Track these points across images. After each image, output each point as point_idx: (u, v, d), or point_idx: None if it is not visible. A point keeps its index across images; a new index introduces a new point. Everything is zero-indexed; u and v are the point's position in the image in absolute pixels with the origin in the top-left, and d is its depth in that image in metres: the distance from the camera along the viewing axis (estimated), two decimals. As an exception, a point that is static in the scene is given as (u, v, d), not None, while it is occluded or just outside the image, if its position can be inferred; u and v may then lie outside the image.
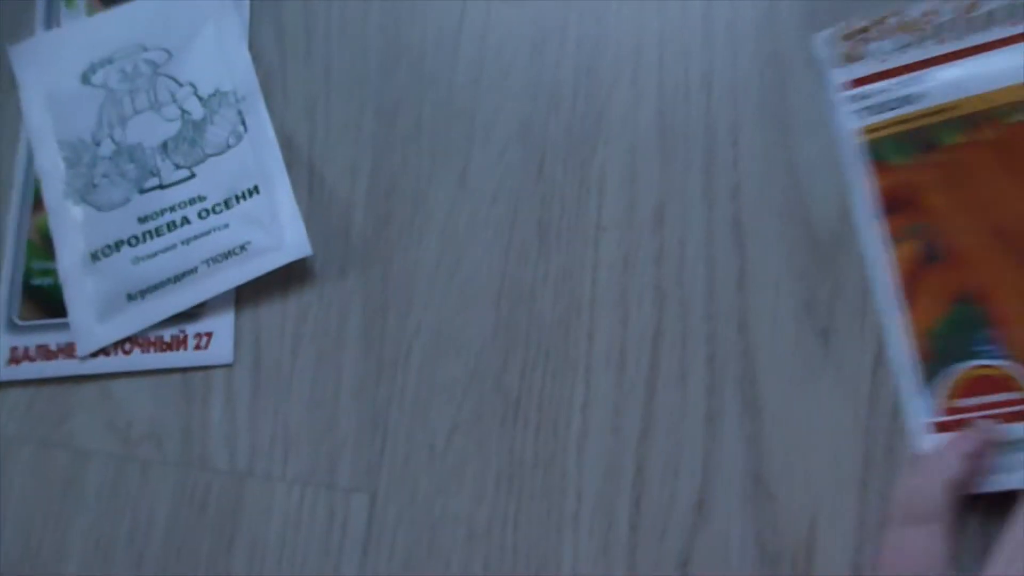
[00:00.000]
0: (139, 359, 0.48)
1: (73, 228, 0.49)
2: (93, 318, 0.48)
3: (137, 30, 0.52)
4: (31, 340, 0.49)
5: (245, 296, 0.49)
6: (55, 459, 0.48)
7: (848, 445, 0.42)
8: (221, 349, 0.47)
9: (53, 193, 0.50)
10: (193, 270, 0.48)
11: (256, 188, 0.48)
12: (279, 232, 0.48)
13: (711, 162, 0.46)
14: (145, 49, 0.51)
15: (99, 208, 0.49)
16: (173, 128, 0.50)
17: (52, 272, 0.50)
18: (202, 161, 0.49)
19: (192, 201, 0.48)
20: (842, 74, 0.46)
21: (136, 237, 0.48)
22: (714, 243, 0.45)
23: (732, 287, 0.45)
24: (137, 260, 0.48)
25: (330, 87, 0.51)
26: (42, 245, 0.50)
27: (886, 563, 0.39)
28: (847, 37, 0.47)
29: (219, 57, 0.51)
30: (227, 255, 0.48)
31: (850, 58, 0.47)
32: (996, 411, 0.41)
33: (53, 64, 0.52)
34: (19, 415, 0.49)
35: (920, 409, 0.42)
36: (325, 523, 0.45)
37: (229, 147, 0.49)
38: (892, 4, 0.46)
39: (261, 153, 0.49)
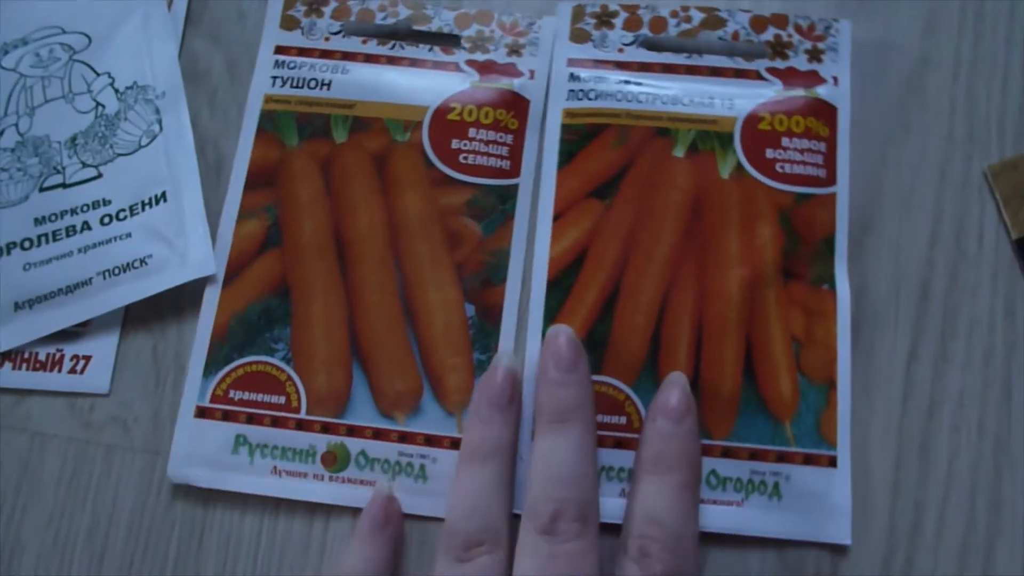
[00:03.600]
0: (6, 375, 0.43)
1: (-39, 225, 0.45)
2: (-25, 326, 0.44)
3: (58, 10, 0.47)
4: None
5: (133, 316, 0.43)
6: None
7: None
8: (98, 376, 0.42)
9: (-56, 185, 0.46)
10: (87, 282, 0.42)
11: (164, 195, 0.43)
12: (183, 246, 0.43)
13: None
14: (63, 31, 0.46)
15: (-7, 205, 0.44)
16: (84, 121, 0.45)
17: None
18: (111, 160, 0.44)
19: (96, 204, 0.43)
20: (275, 37, 0.46)
21: (30, 240, 0.43)
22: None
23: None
24: (28, 266, 0.43)
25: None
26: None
27: None
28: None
29: (143, 49, 0.46)
30: (125, 268, 0.42)
31: (287, 23, 0.46)
32: (261, 411, 0.41)
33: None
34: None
35: (195, 390, 0.41)
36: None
37: (141, 147, 0.44)
38: None
39: (175, 157, 0.44)
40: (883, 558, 0.39)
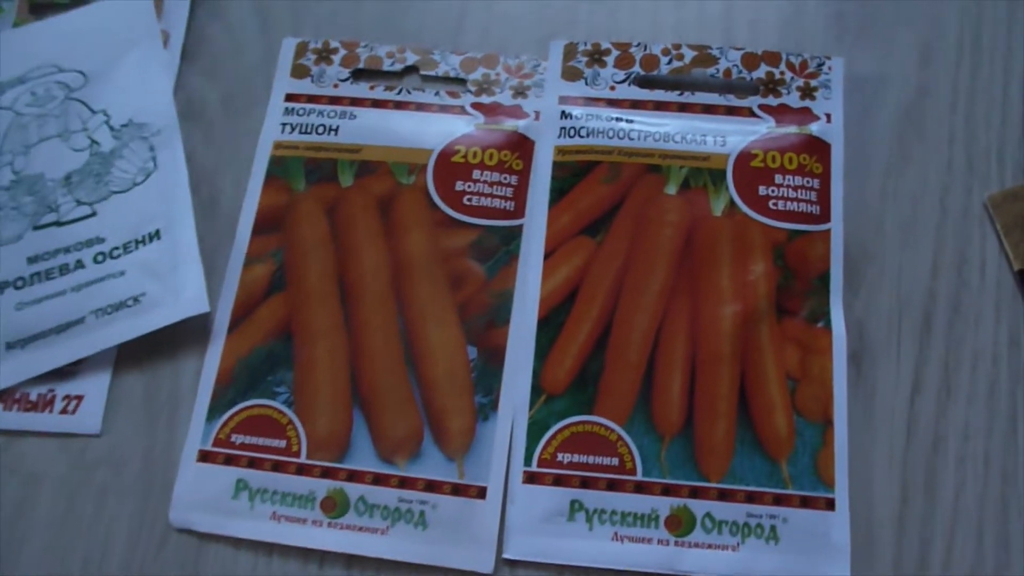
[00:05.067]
0: (-2, 416, 0.43)
1: (-46, 264, 0.45)
2: (-32, 365, 0.44)
3: (55, 48, 0.47)
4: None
5: (126, 354, 0.43)
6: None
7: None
8: (90, 417, 0.42)
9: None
10: (80, 320, 0.43)
11: (158, 232, 0.43)
12: (177, 284, 0.43)
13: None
14: (60, 70, 0.47)
15: (-13, 243, 0.45)
16: (80, 159, 0.45)
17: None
18: (105, 198, 0.44)
19: (90, 243, 0.44)
20: (286, 85, 0.47)
21: (23, 279, 0.43)
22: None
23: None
24: (22, 305, 0.43)
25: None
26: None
27: None
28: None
29: (139, 86, 0.46)
30: (118, 306, 0.42)
31: (298, 72, 0.47)
32: (262, 455, 0.41)
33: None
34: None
35: (199, 434, 0.41)
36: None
37: (135, 185, 0.44)
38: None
39: (169, 194, 0.44)
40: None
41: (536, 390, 0.41)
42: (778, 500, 0.39)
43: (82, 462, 0.42)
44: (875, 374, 0.41)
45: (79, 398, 0.43)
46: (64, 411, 0.42)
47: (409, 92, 0.46)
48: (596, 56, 0.45)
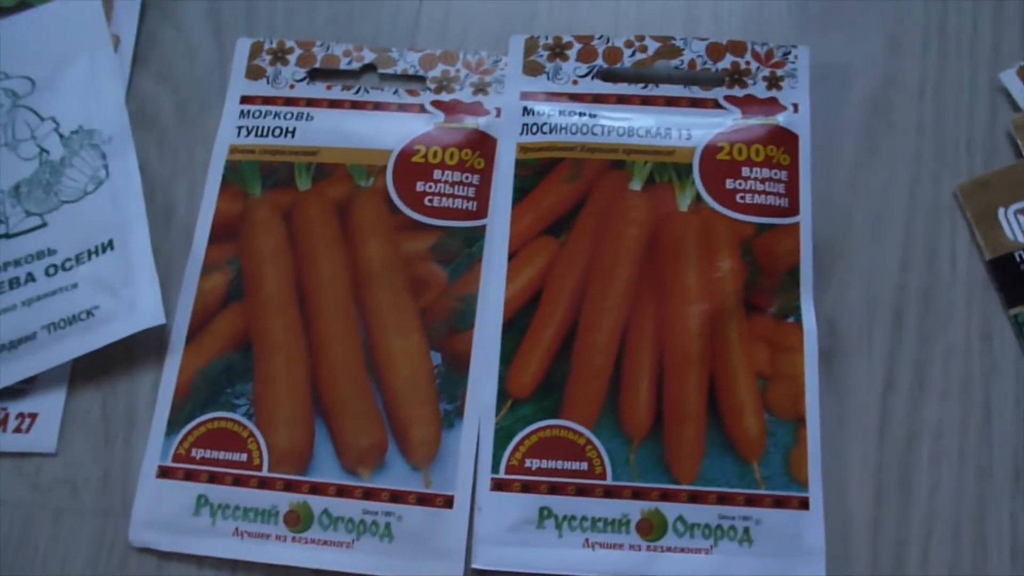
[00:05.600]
0: (-51, 438, 0.41)
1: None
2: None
3: (2, 55, 0.46)
4: None
5: (81, 369, 0.42)
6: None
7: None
8: (44, 435, 0.41)
9: None
10: (32, 336, 0.41)
11: (111, 243, 0.42)
12: (131, 296, 0.41)
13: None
14: (7, 76, 0.45)
15: (-66, 258, 0.43)
16: (28, 169, 0.44)
17: None
18: (56, 208, 0.43)
19: (40, 255, 0.42)
20: (241, 87, 0.45)
21: (-28, 294, 0.42)
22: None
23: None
24: (-29, 321, 0.42)
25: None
26: None
27: None
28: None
29: (89, 92, 0.45)
30: (71, 320, 0.41)
31: (253, 73, 0.46)
32: (223, 469, 0.40)
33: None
34: None
35: (157, 449, 0.40)
36: None
37: (87, 194, 0.43)
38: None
39: (122, 204, 0.43)
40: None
41: (502, 395, 0.40)
42: (750, 501, 0.38)
43: (37, 483, 0.41)
44: (846, 371, 0.40)
45: (33, 416, 0.41)
46: (18, 430, 0.41)
47: (367, 91, 0.45)
48: (558, 50, 0.44)
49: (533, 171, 0.42)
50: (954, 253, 0.41)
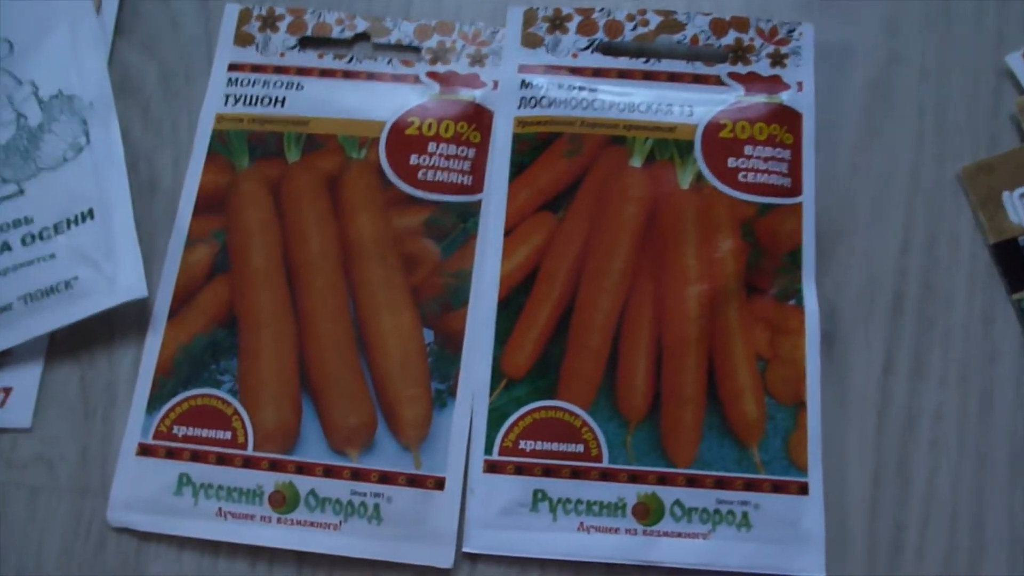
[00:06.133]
0: (-81, 412, 0.40)
1: None
2: None
3: (-21, 17, 0.44)
4: None
5: (59, 342, 0.41)
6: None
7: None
8: (19, 410, 0.40)
9: None
10: (7, 307, 0.40)
11: (91, 212, 0.41)
12: (112, 268, 0.40)
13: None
14: (-16, 40, 0.44)
15: (-91, 225, 0.42)
16: (6, 134, 0.42)
17: None
18: (34, 176, 0.41)
19: (17, 223, 0.41)
20: (229, 54, 0.44)
21: (-55, 263, 0.40)
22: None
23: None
24: (-57, 291, 0.40)
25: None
26: None
27: None
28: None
29: (70, 58, 0.43)
30: (48, 292, 0.40)
31: (241, 40, 0.44)
32: (206, 447, 0.38)
33: None
34: None
35: (138, 427, 0.39)
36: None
37: (66, 161, 0.41)
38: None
39: (103, 173, 0.41)
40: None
41: (496, 375, 0.39)
42: (749, 485, 0.37)
43: (12, 460, 0.40)
44: (846, 355, 0.39)
45: (7, 390, 0.40)
46: (-10, 405, 0.40)
47: (360, 61, 0.43)
48: (557, 22, 0.43)
49: (531, 146, 0.41)
50: (956, 237, 0.41)
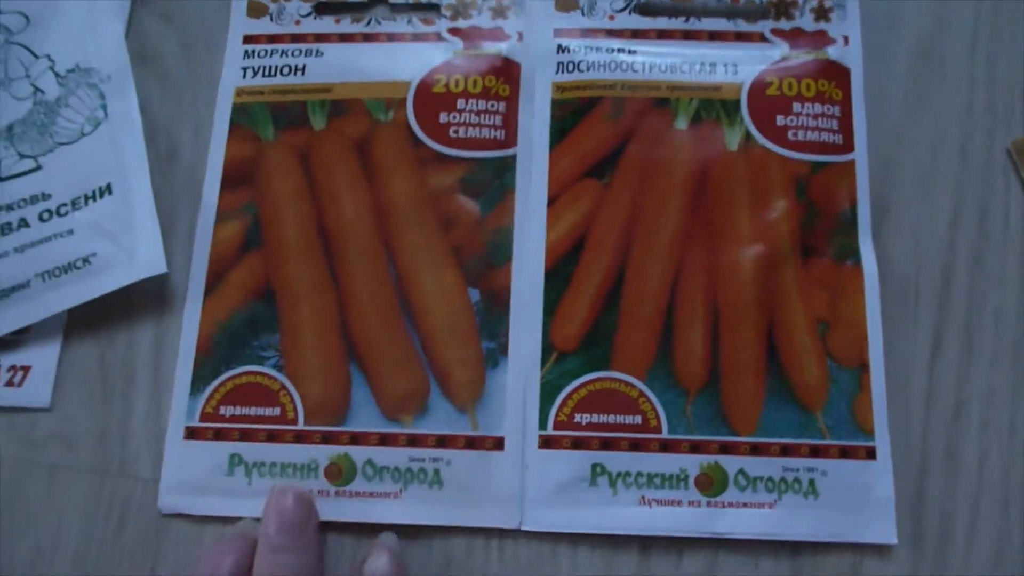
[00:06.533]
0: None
1: None
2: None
3: (-9, -11, 0.42)
4: None
5: (77, 320, 0.39)
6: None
7: None
8: (38, 389, 0.37)
9: None
10: (25, 284, 0.37)
11: (109, 187, 0.39)
12: (131, 243, 0.38)
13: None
14: (0, 12, 0.42)
15: (-79, 203, 0.39)
16: (22, 109, 0.40)
17: None
18: (51, 151, 0.39)
19: (34, 199, 0.39)
20: (243, 27, 0.42)
21: (-40, 240, 0.38)
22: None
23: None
24: (-42, 269, 0.38)
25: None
26: None
27: None
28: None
29: (87, 29, 0.41)
30: (67, 268, 0.38)
31: (255, 11, 0.43)
32: (255, 426, 0.37)
33: None
34: None
35: (183, 410, 0.37)
36: None
37: (83, 135, 0.39)
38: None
39: (121, 146, 0.39)
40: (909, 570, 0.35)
41: (547, 348, 0.37)
42: (815, 452, 0.35)
43: (31, 439, 0.37)
44: (892, 335, 0.37)
45: (26, 369, 0.38)
46: (10, 383, 0.38)
47: (379, 23, 0.42)
48: None
49: (571, 111, 0.40)
50: (1007, 212, 0.39)
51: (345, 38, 0.42)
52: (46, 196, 0.39)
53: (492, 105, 0.40)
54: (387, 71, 0.41)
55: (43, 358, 0.38)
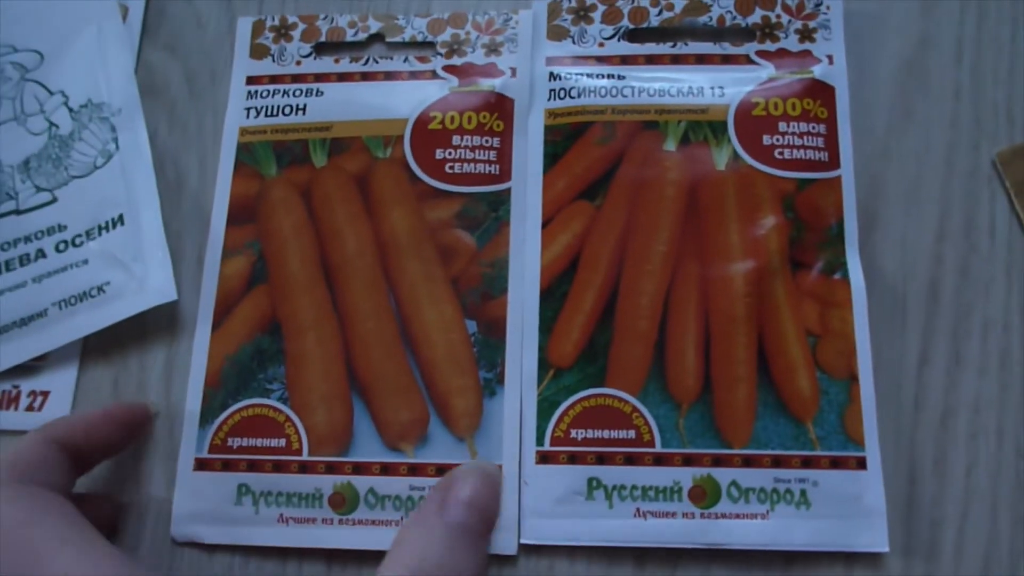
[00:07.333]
0: (-42, 418, 0.39)
1: (-90, 259, 0.42)
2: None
3: (8, 27, 0.44)
4: None
5: (92, 346, 0.40)
6: None
7: None
8: (57, 413, 0.39)
9: None
10: (43, 313, 0.39)
11: (121, 218, 0.40)
12: (142, 272, 0.40)
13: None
14: (15, 50, 0.43)
15: (-58, 236, 0.41)
16: (37, 143, 0.42)
17: None
18: (65, 183, 0.41)
19: (51, 231, 0.40)
20: (246, 68, 0.44)
21: (-20, 271, 0.40)
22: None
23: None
24: (-20, 299, 0.40)
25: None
26: None
27: None
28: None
29: (98, 65, 0.43)
30: (82, 297, 0.39)
31: (257, 53, 0.44)
32: (262, 457, 0.38)
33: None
34: None
35: (192, 442, 0.39)
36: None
37: (96, 168, 0.41)
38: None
39: (132, 177, 0.41)
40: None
41: (543, 365, 0.38)
42: (806, 462, 0.36)
43: (49, 464, 0.39)
44: (880, 346, 0.38)
45: (45, 394, 0.39)
46: (30, 408, 0.39)
47: (376, 61, 0.43)
48: (582, 13, 0.43)
49: (563, 136, 0.41)
50: (993, 224, 0.40)
51: (344, 77, 0.43)
52: (62, 227, 0.41)
53: (486, 140, 0.41)
54: (385, 109, 0.42)
55: (61, 383, 0.40)
